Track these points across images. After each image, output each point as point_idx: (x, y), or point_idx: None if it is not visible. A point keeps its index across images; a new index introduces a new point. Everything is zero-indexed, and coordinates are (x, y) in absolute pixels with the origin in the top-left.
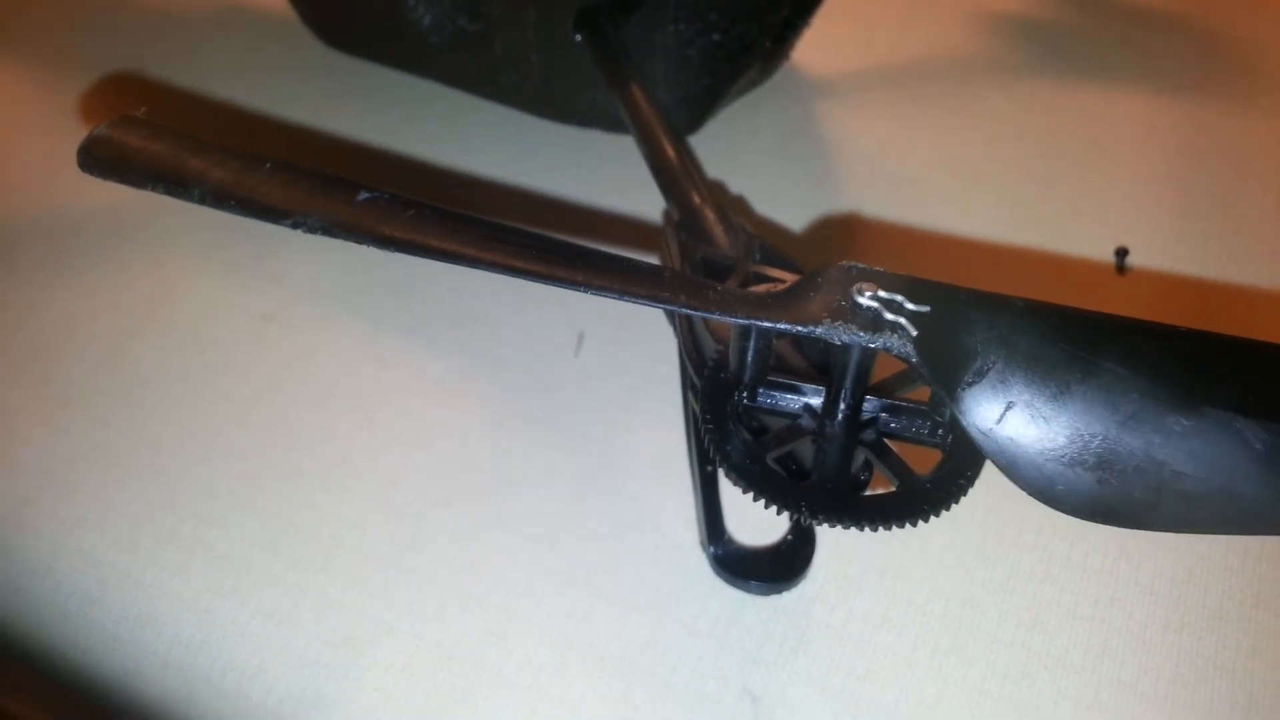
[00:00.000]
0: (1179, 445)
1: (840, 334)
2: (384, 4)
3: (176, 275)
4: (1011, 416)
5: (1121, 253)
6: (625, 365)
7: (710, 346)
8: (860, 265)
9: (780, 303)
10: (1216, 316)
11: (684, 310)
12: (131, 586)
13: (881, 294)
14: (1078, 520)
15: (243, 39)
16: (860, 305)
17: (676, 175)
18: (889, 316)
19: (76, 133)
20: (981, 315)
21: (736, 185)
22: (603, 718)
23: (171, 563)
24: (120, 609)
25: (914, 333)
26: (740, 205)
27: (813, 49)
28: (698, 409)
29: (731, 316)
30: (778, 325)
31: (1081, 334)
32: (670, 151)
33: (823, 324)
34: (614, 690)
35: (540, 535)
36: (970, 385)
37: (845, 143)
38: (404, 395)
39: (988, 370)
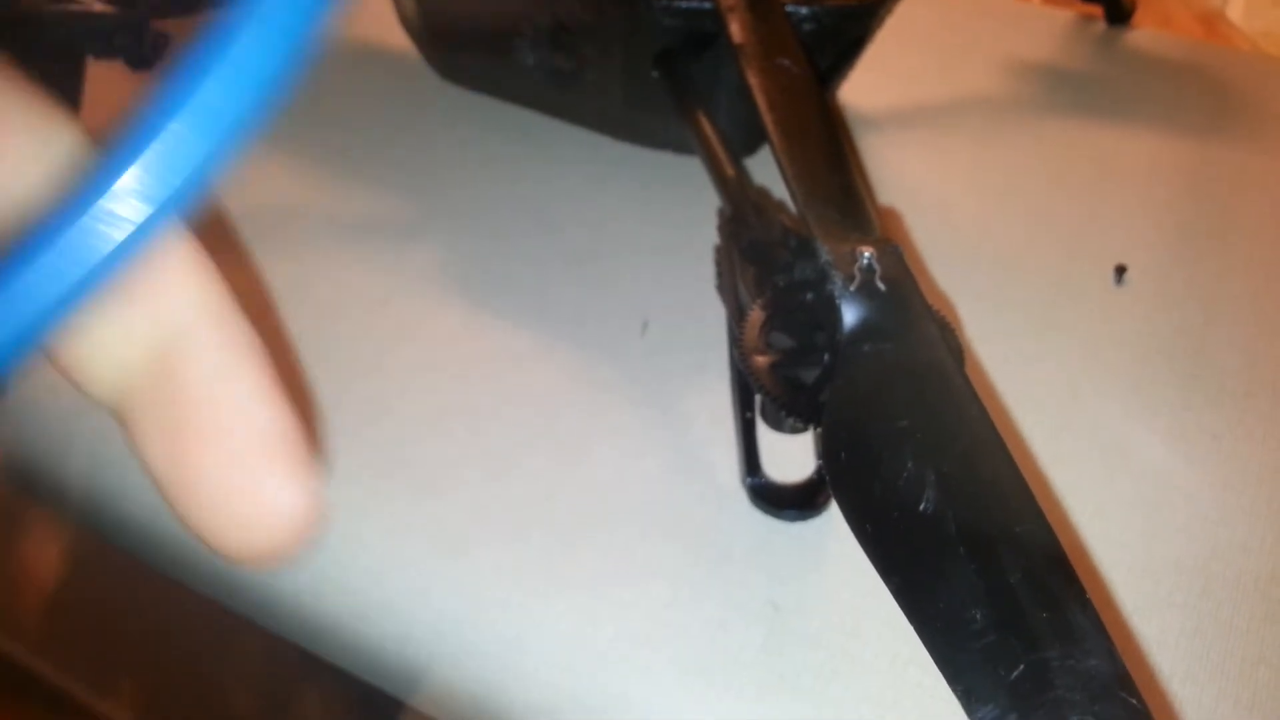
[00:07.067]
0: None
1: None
2: (493, 45)
3: (312, 264)
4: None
5: (1120, 269)
6: (684, 347)
7: (748, 303)
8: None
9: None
10: (1199, 328)
11: None
12: None
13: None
14: None
15: (370, 72)
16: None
17: (730, 184)
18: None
19: None
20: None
21: (781, 198)
22: (651, 619)
23: None
24: None
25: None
26: (782, 206)
27: (857, 90)
28: (740, 362)
29: None
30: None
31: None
32: (728, 167)
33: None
34: (661, 597)
35: (607, 477)
36: None
37: (882, 172)
38: (493, 362)
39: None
